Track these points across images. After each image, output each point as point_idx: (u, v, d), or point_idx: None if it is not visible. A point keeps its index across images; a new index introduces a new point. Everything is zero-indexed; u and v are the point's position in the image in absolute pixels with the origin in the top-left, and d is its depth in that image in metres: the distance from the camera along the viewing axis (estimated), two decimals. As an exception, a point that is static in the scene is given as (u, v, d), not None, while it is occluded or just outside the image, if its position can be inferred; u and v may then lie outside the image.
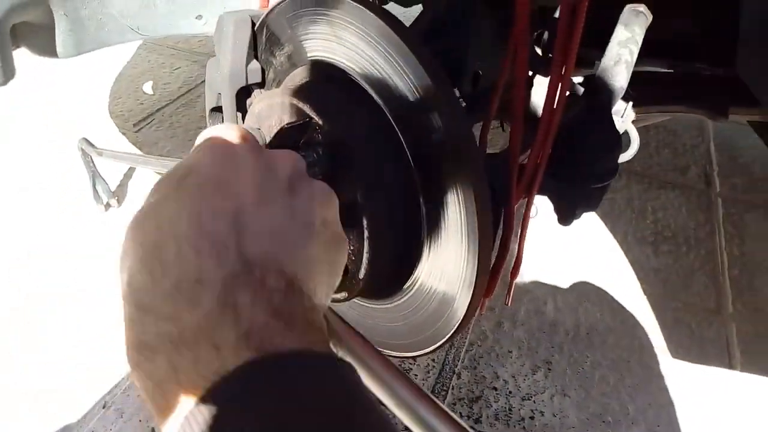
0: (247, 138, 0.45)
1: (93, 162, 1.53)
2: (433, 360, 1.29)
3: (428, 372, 1.27)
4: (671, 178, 2.02)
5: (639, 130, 2.25)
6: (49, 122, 1.94)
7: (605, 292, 1.52)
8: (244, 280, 0.35)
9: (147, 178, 1.71)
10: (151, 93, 2.18)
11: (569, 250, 1.65)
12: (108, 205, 1.58)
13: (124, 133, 1.94)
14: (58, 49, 1.10)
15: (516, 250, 0.76)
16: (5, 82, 1.02)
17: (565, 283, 1.54)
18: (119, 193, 1.65)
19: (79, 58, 1.33)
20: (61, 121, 1.94)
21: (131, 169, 1.73)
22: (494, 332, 1.38)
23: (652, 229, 1.77)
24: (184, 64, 2.38)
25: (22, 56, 1.15)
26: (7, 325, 1.30)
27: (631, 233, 1.74)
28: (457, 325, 0.70)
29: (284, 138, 0.65)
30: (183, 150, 1.87)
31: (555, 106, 0.66)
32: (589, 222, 1.77)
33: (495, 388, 1.25)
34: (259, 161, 0.42)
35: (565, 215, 0.72)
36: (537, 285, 1.53)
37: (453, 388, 1.24)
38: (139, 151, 1.86)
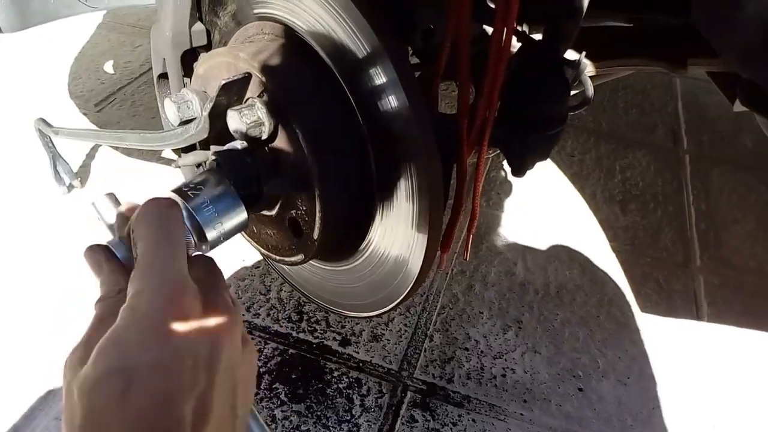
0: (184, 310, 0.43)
1: (52, 142, 1.49)
2: (406, 325, 1.30)
3: (400, 336, 1.27)
4: (639, 137, 2.03)
5: (608, 91, 2.26)
6: (6, 107, 1.89)
7: (575, 251, 1.54)
8: None
9: (109, 156, 1.68)
10: (112, 72, 2.13)
11: (540, 211, 1.66)
12: (71, 187, 1.55)
13: (85, 114, 1.90)
14: (2, 24, 1.06)
15: (471, 206, 0.76)
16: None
17: (535, 244, 1.54)
18: (82, 174, 1.62)
19: (37, 38, 1.29)
20: (19, 104, 1.89)
21: (93, 149, 1.69)
22: (465, 295, 1.39)
23: (620, 187, 1.78)
24: (146, 41, 2.32)
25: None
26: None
27: (599, 192, 1.75)
28: (413, 281, 0.70)
29: (226, 95, 0.64)
30: (146, 128, 1.83)
31: (500, 58, 0.65)
32: (559, 183, 1.78)
33: (467, 349, 1.26)
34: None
35: (518, 166, 0.72)
36: (507, 247, 1.54)
37: (425, 351, 1.25)
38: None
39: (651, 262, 1.54)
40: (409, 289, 0.71)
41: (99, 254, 0.51)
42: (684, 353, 1.30)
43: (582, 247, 1.55)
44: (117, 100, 1.97)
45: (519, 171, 0.72)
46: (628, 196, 1.75)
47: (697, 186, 1.81)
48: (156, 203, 0.49)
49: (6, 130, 1.78)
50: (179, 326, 0.42)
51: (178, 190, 0.60)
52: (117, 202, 0.55)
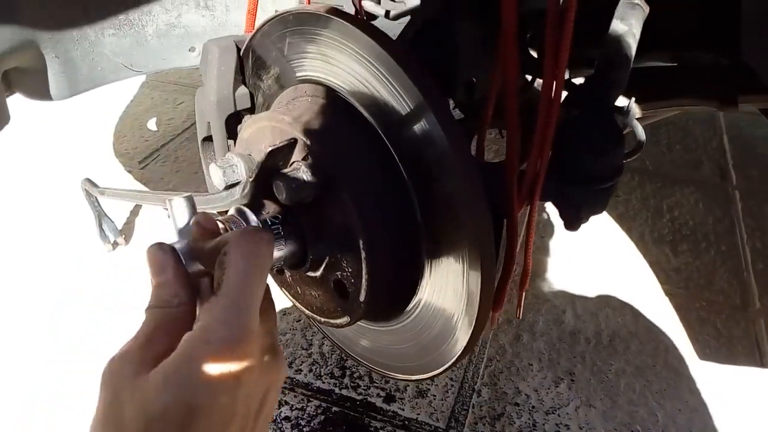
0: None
1: (98, 201, 1.52)
2: (451, 378, 1.26)
3: (447, 392, 1.23)
4: (685, 174, 1.97)
5: (649, 128, 2.22)
6: (54, 167, 1.95)
7: (626, 296, 1.48)
8: None
9: (154, 213, 1.71)
10: (156, 129, 2.19)
11: (586, 255, 1.61)
12: (116, 244, 1.58)
13: (129, 171, 1.94)
14: (52, 92, 1.10)
15: (524, 261, 0.74)
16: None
17: (583, 290, 1.49)
18: (126, 231, 1.64)
19: (83, 101, 1.35)
20: (67, 165, 1.94)
21: (138, 206, 1.72)
22: (513, 346, 1.34)
23: (669, 227, 1.72)
24: (187, 98, 2.39)
25: (21, 102, 1.17)
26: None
27: (648, 233, 1.70)
28: (465, 344, 0.67)
29: (272, 161, 0.63)
30: (188, 183, 1.86)
31: (551, 109, 0.63)
32: (605, 224, 1.73)
33: (517, 404, 1.21)
34: None
35: (571, 220, 0.69)
36: (554, 294, 1.49)
37: (474, 407, 1.20)
38: (144, 188, 1.85)
39: (707, 305, 1.47)
40: (460, 353, 0.68)
41: (167, 256, 0.49)
42: (748, 403, 1.22)
43: (633, 292, 1.49)
44: (160, 157, 2.01)
45: (573, 225, 0.69)
46: (678, 236, 1.69)
47: (750, 224, 1.74)
48: (258, 235, 0.49)
49: (57, 189, 1.83)
50: (245, 375, 0.43)
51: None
52: (193, 207, 0.54)
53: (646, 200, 1.83)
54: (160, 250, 0.49)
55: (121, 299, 1.43)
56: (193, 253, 0.51)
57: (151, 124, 2.22)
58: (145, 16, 1.15)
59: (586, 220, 0.69)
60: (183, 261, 0.50)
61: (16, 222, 1.70)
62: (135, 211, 1.71)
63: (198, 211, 0.55)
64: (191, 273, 0.50)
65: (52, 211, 1.74)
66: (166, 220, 1.68)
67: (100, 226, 1.55)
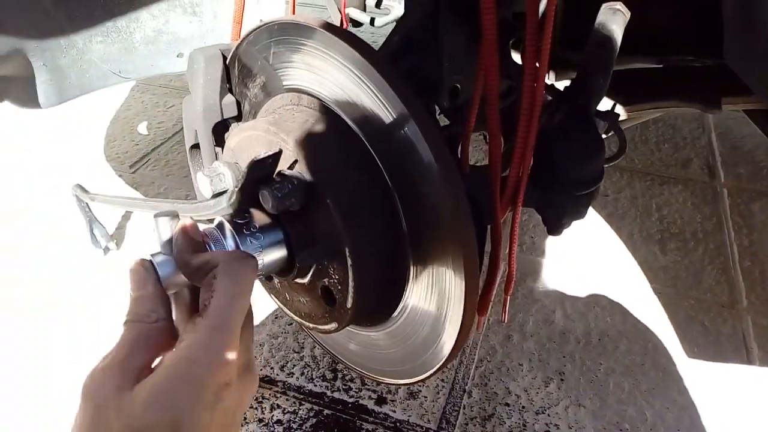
0: None
1: (89, 207, 1.53)
2: (443, 380, 1.27)
3: (438, 393, 1.24)
4: (674, 172, 1.98)
5: (638, 126, 2.22)
6: (45, 170, 1.95)
7: (615, 296, 1.49)
8: None
9: (145, 218, 1.71)
10: (146, 133, 2.19)
11: (576, 254, 1.62)
12: (107, 249, 1.58)
13: (120, 176, 1.94)
14: (41, 100, 1.10)
15: (507, 266, 0.74)
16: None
17: (573, 290, 1.51)
18: (118, 236, 1.65)
19: (73, 105, 1.37)
20: (58, 170, 1.94)
21: (129, 211, 1.73)
22: (503, 346, 1.35)
23: (657, 226, 1.73)
24: (178, 101, 2.39)
25: (10, 107, 1.17)
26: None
27: (636, 232, 1.71)
28: (451, 349, 0.68)
29: (258, 171, 0.64)
30: (179, 187, 1.87)
31: (531, 115, 0.64)
32: (594, 224, 1.74)
33: (507, 404, 1.22)
34: None
35: (554, 226, 0.70)
36: (544, 294, 1.50)
37: (464, 408, 1.21)
38: (136, 192, 1.85)
39: (695, 304, 1.48)
40: (446, 357, 0.69)
41: (148, 272, 0.52)
42: (735, 400, 1.24)
43: (622, 291, 1.50)
44: (151, 161, 2.01)
45: (555, 231, 0.70)
46: (667, 234, 1.70)
47: (738, 221, 1.75)
48: (246, 261, 0.51)
49: (48, 195, 1.83)
50: (224, 392, 0.46)
51: (231, 221, 0.64)
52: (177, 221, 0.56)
53: (635, 199, 1.84)
54: (141, 265, 0.52)
55: (113, 302, 1.44)
56: (178, 264, 0.52)
57: (142, 128, 2.21)
58: (132, 23, 1.15)
59: (569, 225, 0.70)
60: (165, 273, 0.52)
61: (7, 228, 1.70)
62: (126, 216, 1.72)
63: (183, 218, 0.56)
64: (173, 284, 0.52)
65: (43, 217, 1.74)
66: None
67: (92, 231, 1.55)
